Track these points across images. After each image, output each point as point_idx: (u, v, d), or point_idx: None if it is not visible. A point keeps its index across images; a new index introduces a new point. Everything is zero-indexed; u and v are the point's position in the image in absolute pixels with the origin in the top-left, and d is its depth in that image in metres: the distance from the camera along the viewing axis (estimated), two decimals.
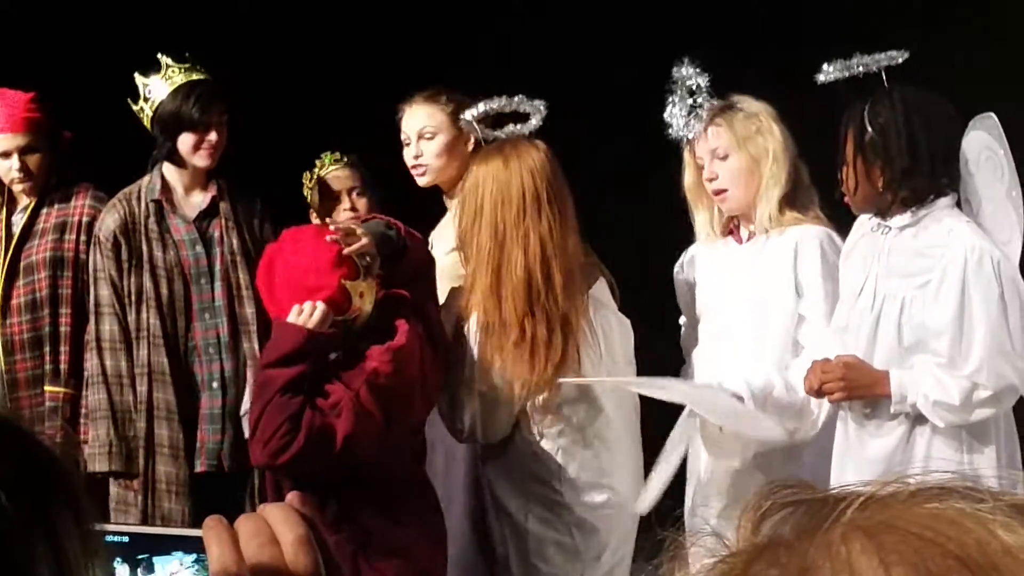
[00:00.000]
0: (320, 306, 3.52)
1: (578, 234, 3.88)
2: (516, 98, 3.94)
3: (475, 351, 3.88)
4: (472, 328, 3.89)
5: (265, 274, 3.66)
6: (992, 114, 3.59)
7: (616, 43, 5.76)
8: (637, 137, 4.36)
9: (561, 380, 3.80)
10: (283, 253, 3.63)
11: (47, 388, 4.51)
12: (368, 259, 3.62)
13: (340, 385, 3.53)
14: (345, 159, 4.63)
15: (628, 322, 4.03)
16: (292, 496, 1.06)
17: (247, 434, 4.28)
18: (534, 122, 3.92)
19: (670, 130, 3.90)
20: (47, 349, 4.50)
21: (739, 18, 5.59)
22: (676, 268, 4.14)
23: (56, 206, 4.59)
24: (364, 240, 3.59)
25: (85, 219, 4.55)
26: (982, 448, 3.54)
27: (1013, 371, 3.44)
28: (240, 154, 4.51)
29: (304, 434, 3.45)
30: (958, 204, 3.58)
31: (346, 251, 3.56)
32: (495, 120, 4.01)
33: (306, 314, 3.52)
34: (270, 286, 3.63)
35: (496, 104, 3.97)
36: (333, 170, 4.62)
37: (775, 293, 3.85)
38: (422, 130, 4.27)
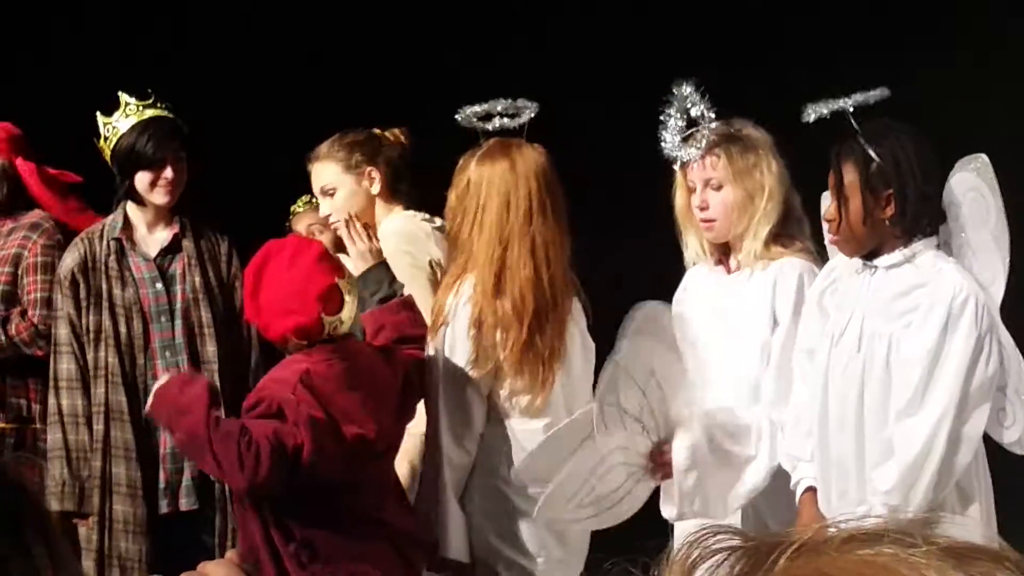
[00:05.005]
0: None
1: (571, 241, 3.91)
2: (519, 101, 3.92)
3: (468, 351, 3.85)
4: (462, 329, 3.85)
5: (255, 272, 3.69)
6: (983, 155, 3.54)
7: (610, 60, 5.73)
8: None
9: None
10: (279, 260, 3.65)
11: None
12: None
13: (286, 395, 3.57)
14: (314, 201, 4.63)
15: (592, 346, 4.00)
16: (232, 553, 1.07)
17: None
18: (524, 117, 3.90)
19: (663, 146, 3.82)
20: None
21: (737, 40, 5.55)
22: (676, 294, 4.01)
23: None
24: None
25: (14, 250, 4.60)
26: (966, 506, 3.51)
27: (973, 423, 3.41)
28: (217, 191, 4.52)
29: (265, 445, 3.47)
30: (937, 246, 3.53)
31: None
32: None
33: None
34: (256, 286, 3.67)
35: (500, 106, 3.92)
36: (302, 210, 4.77)
37: (750, 329, 3.78)
38: (323, 187, 4.26)
